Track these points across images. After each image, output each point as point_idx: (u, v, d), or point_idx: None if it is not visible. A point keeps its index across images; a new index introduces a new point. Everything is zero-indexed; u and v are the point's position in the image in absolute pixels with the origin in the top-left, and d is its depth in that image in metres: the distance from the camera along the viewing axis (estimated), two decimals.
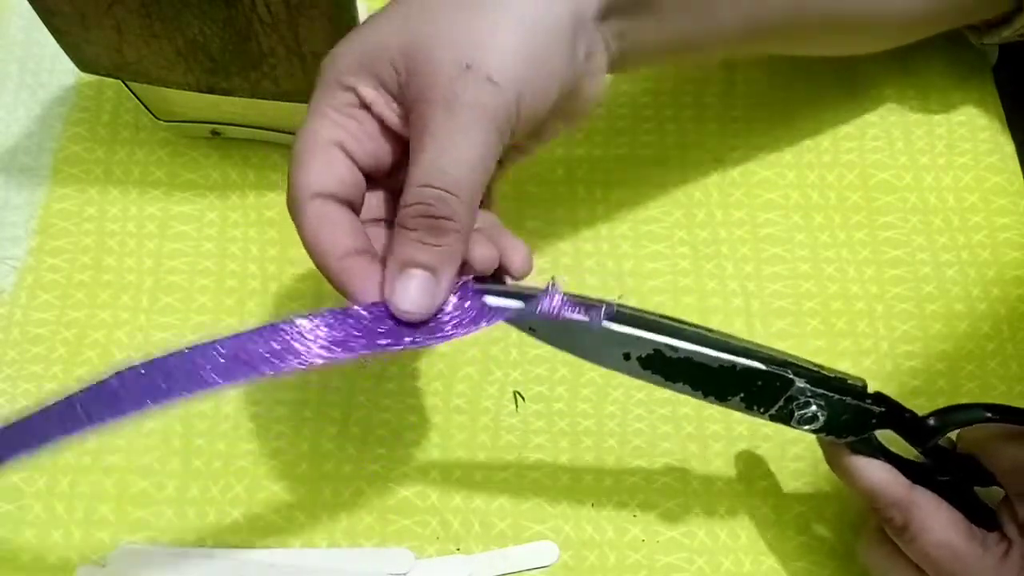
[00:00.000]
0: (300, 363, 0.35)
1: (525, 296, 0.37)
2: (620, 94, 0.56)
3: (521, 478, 0.47)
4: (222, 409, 0.48)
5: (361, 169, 0.38)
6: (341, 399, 0.49)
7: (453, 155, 0.35)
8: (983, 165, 0.54)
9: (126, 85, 0.51)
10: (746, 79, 0.57)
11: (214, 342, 0.35)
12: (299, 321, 0.35)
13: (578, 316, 0.36)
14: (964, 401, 0.48)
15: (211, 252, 0.52)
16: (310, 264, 0.51)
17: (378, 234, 0.39)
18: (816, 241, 0.53)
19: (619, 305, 0.37)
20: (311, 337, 0.35)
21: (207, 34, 0.45)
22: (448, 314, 0.37)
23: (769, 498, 0.47)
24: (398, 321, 0.36)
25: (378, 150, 0.38)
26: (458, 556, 0.45)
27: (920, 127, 0.55)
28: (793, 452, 0.48)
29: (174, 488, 0.47)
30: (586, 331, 0.37)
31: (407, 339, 0.36)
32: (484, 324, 0.37)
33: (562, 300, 0.36)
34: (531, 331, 0.37)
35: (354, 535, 0.46)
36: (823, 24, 0.46)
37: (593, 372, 0.49)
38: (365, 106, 0.38)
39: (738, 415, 0.48)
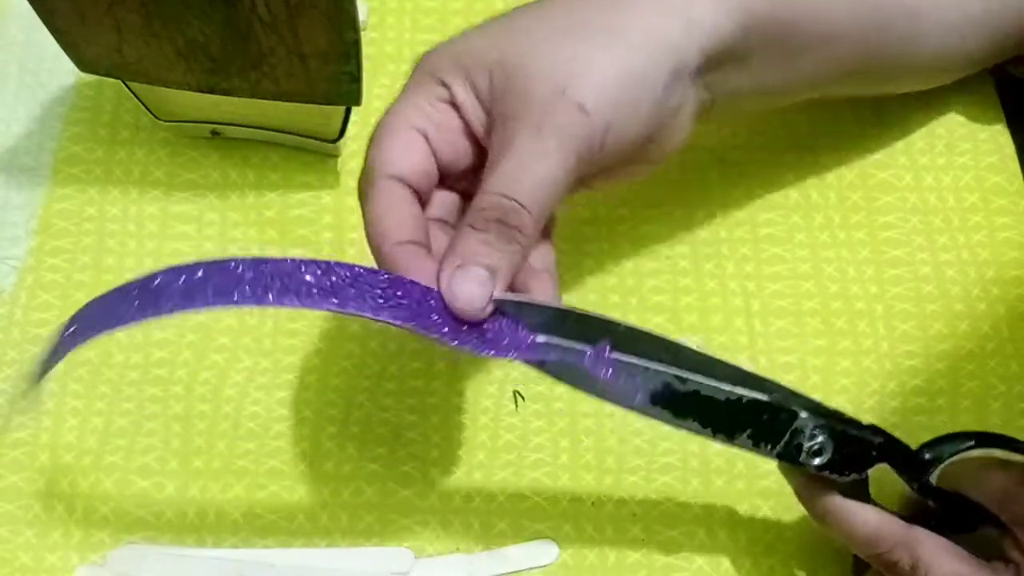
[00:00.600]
0: (353, 306, 0.34)
1: (566, 341, 0.37)
2: None
3: (521, 478, 0.47)
4: (222, 409, 0.48)
5: (438, 163, 0.39)
6: (341, 399, 0.49)
7: (534, 172, 0.36)
8: (983, 165, 0.54)
9: (126, 85, 0.51)
10: None
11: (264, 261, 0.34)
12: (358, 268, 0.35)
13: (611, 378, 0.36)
14: (964, 403, 0.48)
15: (211, 252, 0.52)
16: None
17: (435, 233, 0.39)
18: (816, 241, 0.53)
19: (619, 338, 0.37)
20: (367, 285, 0.35)
21: (207, 34, 0.45)
22: (490, 328, 0.36)
23: (769, 498, 0.47)
24: (440, 314, 0.36)
25: (458, 149, 0.39)
26: (458, 556, 0.45)
27: (920, 127, 0.55)
28: None
29: (174, 488, 0.47)
30: (594, 378, 0.37)
31: (439, 334, 0.35)
32: (515, 355, 0.36)
33: (611, 363, 0.36)
34: (540, 364, 0.37)
35: (354, 535, 0.46)
36: (895, 66, 0.48)
37: None
38: (455, 105, 0.39)
39: None
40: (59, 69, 0.56)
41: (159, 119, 0.53)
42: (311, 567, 0.45)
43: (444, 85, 0.39)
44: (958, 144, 0.55)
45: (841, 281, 0.52)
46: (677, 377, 0.37)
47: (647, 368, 0.37)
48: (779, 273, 0.52)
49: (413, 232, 0.37)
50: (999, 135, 0.55)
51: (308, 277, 0.34)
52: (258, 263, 0.34)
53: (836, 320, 0.51)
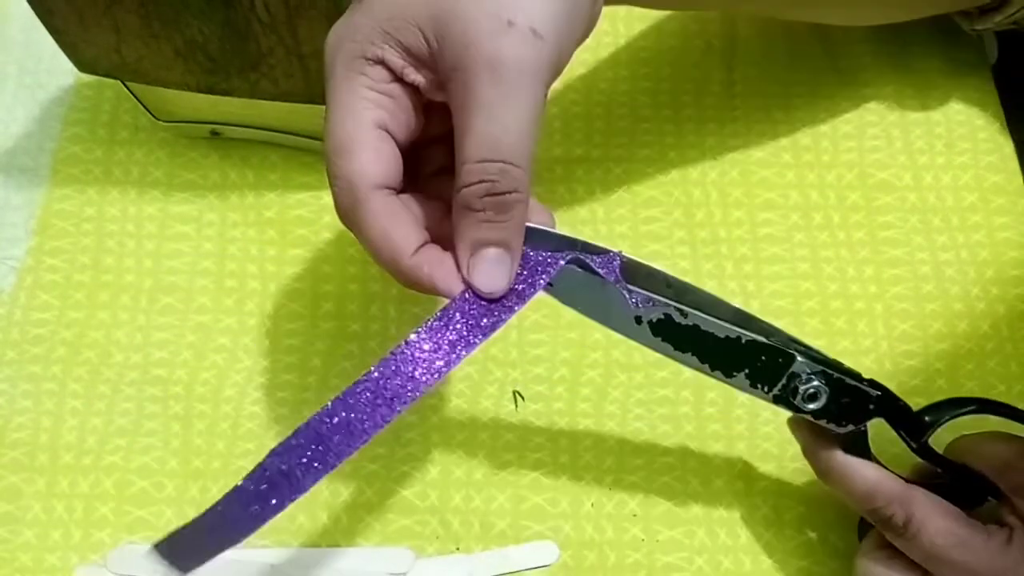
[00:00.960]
0: (424, 383, 0.35)
1: (580, 250, 0.37)
2: (620, 94, 0.56)
3: (521, 478, 0.47)
4: (221, 409, 0.48)
5: (401, 147, 0.36)
6: None
7: (505, 123, 0.34)
8: (982, 164, 0.54)
9: (125, 85, 0.51)
10: (745, 79, 0.57)
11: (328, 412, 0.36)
12: (410, 338, 0.35)
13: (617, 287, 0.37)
14: None
15: (210, 252, 0.52)
16: (309, 264, 0.52)
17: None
18: (815, 241, 0.53)
19: (627, 259, 0.37)
20: (425, 351, 0.35)
21: (206, 34, 0.45)
22: (519, 277, 0.37)
23: (769, 498, 0.47)
24: (487, 300, 0.36)
25: (411, 123, 0.37)
26: (458, 556, 0.45)
27: (919, 126, 0.55)
28: (793, 452, 0.48)
29: (174, 488, 0.47)
30: (601, 290, 0.37)
31: (506, 312, 0.36)
32: (547, 276, 0.37)
33: (622, 267, 0.37)
34: (548, 286, 0.37)
35: (354, 535, 0.46)
36: None
37: (592, 372, 0.49)
38: (397, 78, 0.36)
39: (738, 413, 0.48)
40: (58, 69, 0.56)
41: (158, 119, 0.53)
42: (311, 567, 0.45)
43: (377, 62, 0.35)
44: (957, 144, 0.55)
45: (840, 281, 0.52)
46: (678, 310, 0.37)
47: (649, 298, 0.37)
48: (778, 273, 0.52)
49: (420, 234, 0.36)
50: (998, 135, 0.55)
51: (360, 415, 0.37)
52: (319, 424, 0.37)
53: (836, 320, 0.51)
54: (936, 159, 0.55)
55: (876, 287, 0.51)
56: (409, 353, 0.35)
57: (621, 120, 0.56)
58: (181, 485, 0.47)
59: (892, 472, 0.40)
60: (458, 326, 0.35)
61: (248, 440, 0.48)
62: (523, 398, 0.49)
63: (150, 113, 0.53)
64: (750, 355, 0.38)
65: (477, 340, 0.35)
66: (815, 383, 0.38)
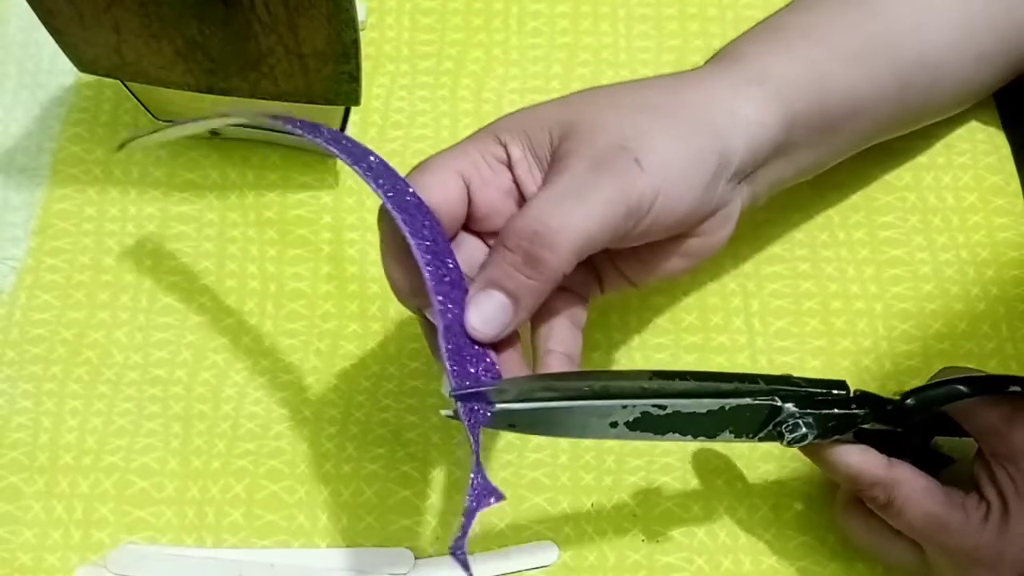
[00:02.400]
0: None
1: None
2: None
3: (521, 478, 0.47)
4: (221, 409, 0.48)
5: (473, 212, 0.39)
6: (341, 399, 0.49)
7: (581, 202, 0.37)
8: (981, 165, 0.54)
9: (125, 85, 0.51)
10: None
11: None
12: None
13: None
14: None
15: (210, 252, 0.52)
16: (310, 264, 0.52)
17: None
18: (815, 240, 0.53)
19: (599, 379, 0.38)
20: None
21: (206, 34, 0.45)
22: (491, 371, 0.37)
23: (769, 498, 0.47)
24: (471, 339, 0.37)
25: (497, 207, 0.40)
26: None
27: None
28: (792, 452, 0.47)
29: (174, 488, 0.47)
30: (568, 414, 0.36)
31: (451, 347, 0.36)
32: (479, 417, 0.36)
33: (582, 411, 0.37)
34: (511, 427, 0.37)
35: (354, 535, 0.46)
36: (918, 115, 0.50)
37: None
38: (509, 164, 0.39)
39: None
40: (58, 69, 0.56)
41: (158, 119, 0.53)
42: (311, 567, 0.45)
43: (501, 144, 0.39)
44: (956, 144, 0.55)
45: (840, 281, 0.52)
46: (656, 406, 0.37)
47: (624, 406, 0.37)
48: (778, 273, 0.52)
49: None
50: (996, 135, 0.55)
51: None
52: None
53: (835, 320, 0.51)
54: (936, 159, 0.55)
55: (876, 287, 0.51)
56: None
57: None
58: (181, 485, 0.47)
59: (875, 452, 0.41)
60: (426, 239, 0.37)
61: (248, 440, 0.48)
62: None
63: (150, 113, 0.53)
64: (734, 417, 0.38)
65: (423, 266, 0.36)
66: (801, 429, 0.39)
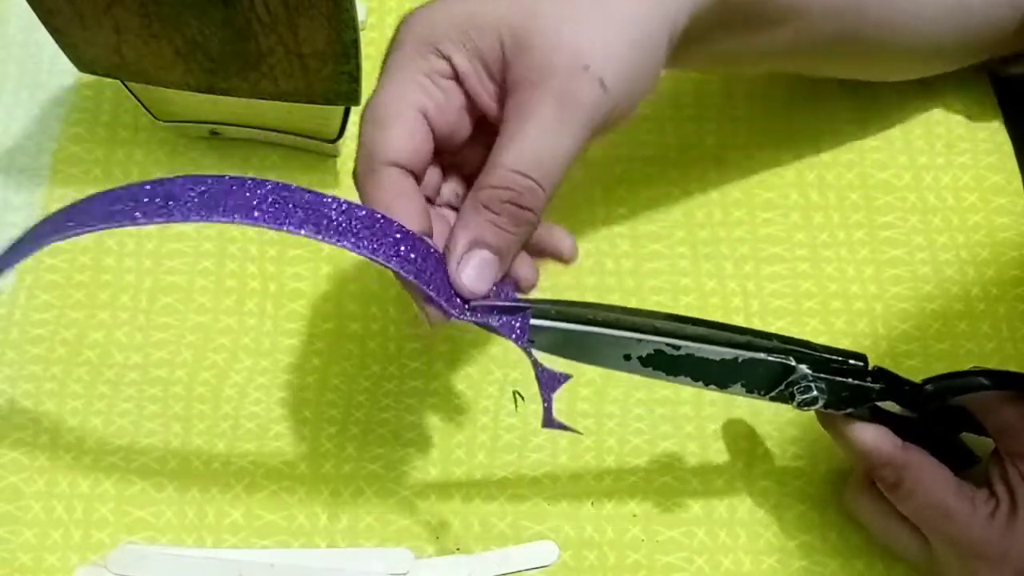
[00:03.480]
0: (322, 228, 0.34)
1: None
2: None
3: (521, 478, 0.47)
4: (221, 408, 0.48)
5: (435, 142, 0.38)
6: (341, 399, 0.49)
7: (554, 148, 0.36)
8: (982, 164, 0.54)
9: (125, 85, 0.51)
10: (745, 79, 0.57)
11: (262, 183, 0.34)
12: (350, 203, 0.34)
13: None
14: None
15: (210, 252, 0.52)
16: (310, 264, 0.52)
17: (448, 220, 0.39)
18: (815, 241, 0.53)
19: (615, 311, 0.37)
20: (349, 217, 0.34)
21: (206, 34, 0.45)
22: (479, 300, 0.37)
23: (769, 497, 0.47)
24: (444, 280, 0.36)
25: (455, 126, 0.38)
26: (458, 556, 0.45)
27: (919, 126, 0.55)
28: (793, 451, 0.48)
29: (174, 488, 0.47)
30: (587, 338, 0.37)
31: (444, 298, 0.36)
32: (491, 321, 0.37)
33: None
34: (530, 343, 0.37)
35: (354, 535, 0.46)
36: (871, 51, 0.48)
37: (592, 372, 0.49)
38: (457, 78, 0.37)
39: (737, 414, 0.48)
40: (58, 69, 0.56)
41: (158, 119, 0.53)
42: (311, 567, 0.45)
43: (443, 56, 0.37)
44: (957, 143, 0.55)
45: (840, 281, 0.52)
46: (669, 344, 0.37)
47: (639, 339, 0.37)
48: (778, 273, 0.52)
49: (420, 224, 0.37)
50: (997, 134, 0.55)
51: (331, 213, 0.34)
52: (281, 188, 0.34)
53: (836, 320, 0.51)
54: (936, 159, 0.55)
55: (876, 287, 0.51)
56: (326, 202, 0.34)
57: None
58: (181, 485, 0.47)
59: (892, 433, 0.41)
60: (391, 245, 0.35)
61: (248, 440, 0.48)
62: (523, 398, 0.49)
63: (150, 113, 0.53)
64: (747, 370, 0.38)
65: (394, 265, 0.35)
66: (813, 392, 0.39)
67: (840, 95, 0.56)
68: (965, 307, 0.51)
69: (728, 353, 0.38)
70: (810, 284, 0.52)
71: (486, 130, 0.38)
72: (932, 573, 0.42)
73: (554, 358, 0.38)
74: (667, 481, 0.47)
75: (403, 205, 0.36)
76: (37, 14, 0.45)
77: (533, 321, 0.37)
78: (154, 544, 0.45)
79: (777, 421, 0.48)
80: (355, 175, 0.38)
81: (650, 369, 0.38)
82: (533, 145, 0.36)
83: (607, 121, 0.37)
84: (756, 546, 0.46)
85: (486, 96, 0.38)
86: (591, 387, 0.49)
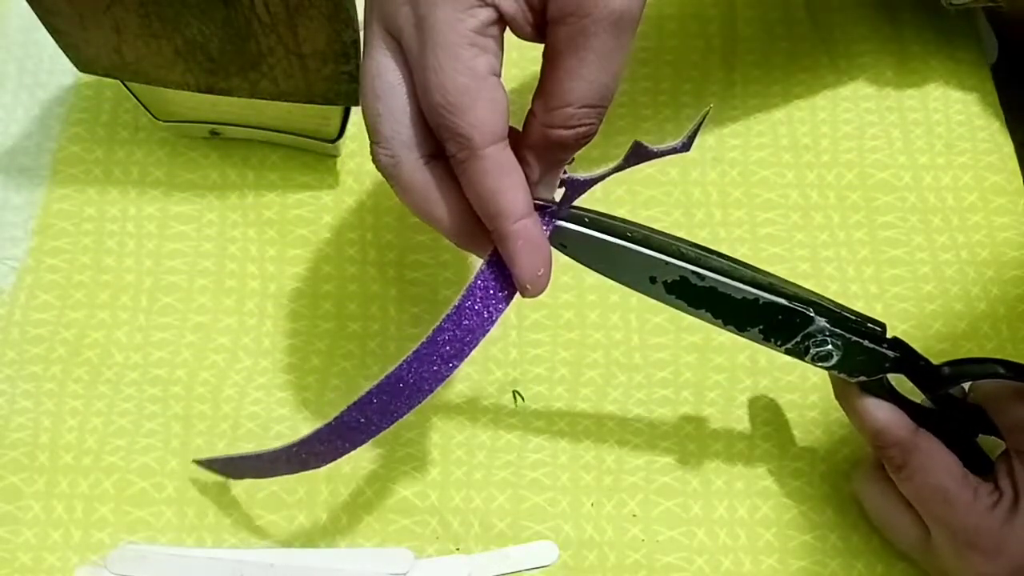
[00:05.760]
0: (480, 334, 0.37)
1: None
2: (620, 94, 0.56)
3: (521, 478, 0.47)
4: (221, 409, 0.48)
5: None
6: (341, 399, 0.49)
7: (616, 72, 0.35)
8: (982, 164, 0.54)
9: (125, 85, 0.51)
10: (745, 79, 0.57)
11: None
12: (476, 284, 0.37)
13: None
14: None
15: (210, 252, 0.52)
16: (310, 264, 0.52)
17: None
18: (815, 241, 0.53)
19: (647, 230, 0.38)
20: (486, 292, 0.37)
21: (206, 34, 0.45)
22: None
23: (769, 498, 0.47)
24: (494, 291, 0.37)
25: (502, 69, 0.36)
26: (458, 556, 0.45)
27: (919, 127, 0.55)
28: (792, 451, 0.48)
29: (174, 488, 0.47)
30: (616, 251, 0.37)
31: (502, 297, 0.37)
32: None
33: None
34: (562, 247, 0.37)
35: (354, 535, 0.46)
36: None
37: (592, 372, 0.49)
38: (503, 23, 0.35)
39: (737, 414, 0.48)
40: (58, 69, 0.56)
41: (158, 119, 0.53)
42: (311, 567, 0.45)
43: (488, 4, 0.34)
44: (957, 144, 0.55)
45: (840, 281, 0.52)
46: (695, 273, 0.38)
47: (667, 262, 0.37)
48: (778, 273, 0.52)
49: (527, 200, 0.35)
50: (998, 134, 0.55)
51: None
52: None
53: None
54: (936, 159, 0.55)
55: (876, 287, 0.51)
56: (464, 310, 0.37)
57: (621, 120, 0.56)
58: (181, 486, 0.47)
59: (905, 415, 0.41)
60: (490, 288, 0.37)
61: (248, 440, 0.48)
62: (523, 398, 0.49)
63: (150, 113, 0.53)
64: (766, 314, 0.39)
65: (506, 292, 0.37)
66: (828, 346, 0.39)
67: (841, 95, 0.56)
68: (965, 307, 0.51)
69: (750, 293, 0.38)
70: (810, 284, 0.51)
71: None
72: (929, 564, 0.42)
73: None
74: (667, 481, 0.47)
75: (510, 186, 0.35)
76: (37, 14, 0.45)
77: (567, 224, 0.37)
78: (154, 544, 0.45)
79: (777, 422, 0.48)
80: (455, 162, 0.35)
81: (673, 297, 0.38)
82: (598, 76, 0.34)
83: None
84: (756, 546, 0.46)
85: (529, 30, 0.35)
86: (591, 387, 0.49)
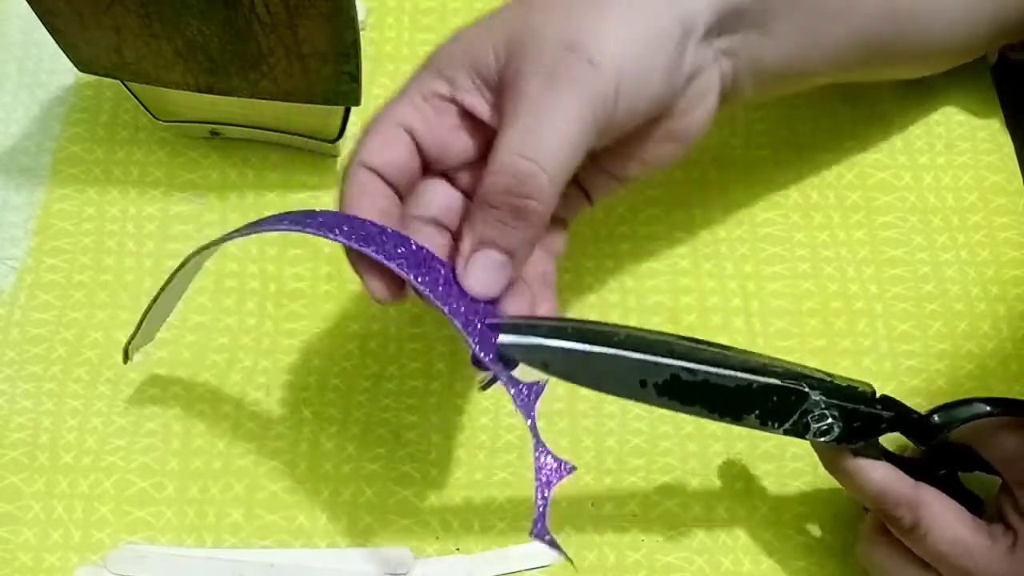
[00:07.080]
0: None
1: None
2: None
3: (521, 478, 0.47)
4: (221, 408, 0.48)
5: (425, 158, 0.39)
6: (340, 399, 0.49)
7: (549, 127, 0.35)
8: (982, 164, 0.54)
9: (125, 85, 0.51)
10: None
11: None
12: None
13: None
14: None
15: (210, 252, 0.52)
16: (310, 264, 0.52)
17: (431, 233, 0.39)
18: (815, 240, 0.53)
19: (628, 330, 0.37)
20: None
21: (206, 34, 0.45)
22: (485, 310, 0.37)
23: (768, 498, 0.47)
24: (450, 287, 0.36)
25: (449, 145, 0.38)
26: (458, 556, 0.45)
27: (919, 126, 0.55)
28: (792, 452, 0.48)
29: (173, 488, 0.47)
30: (602, 360, 0.36)
31: (451, 303, 0.36)
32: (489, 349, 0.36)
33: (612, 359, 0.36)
34: (544, 367, 0.36)
35: (354, 535, 0.46)
36: (908, 46, 0.46)
37: None
38: (454, 98, 0.38)
39: None
40: (58, 69, 0.56)
41: (158, 119, 0.53)
42: (311, 567, 0.45)
43: (445, 78, 0.38)
44: (957, 143, 0.55)
45: (840, 281, 0.52)
46: (686, 369, 0.37)
47: (656, 363, 0.36)
48: (778, 273, 0.52)
49: (381, 219, 0.37)
50: (998, 134, 0.55)
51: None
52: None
53: (835, 320, 0.51)
54: (936, 159, 0.55)
55: (876, 287, 0.51)
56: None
57: None
58: (181, 485, 0.47)
59: (902, 472, 0.40)
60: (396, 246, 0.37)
61: (248, 440, 0.48)
62: None
63: (150, 113, 0.53)
64: (762, 398, 0.38)
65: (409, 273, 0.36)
66: (828, 420, 0.38)
67: (840, 95, 0.56)
68: (965, 307, 0.51)
69: (743, 379, 0.37)
70: (810, 284, 0.52)
71: None
72: None
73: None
74: (667, 481, 0.47)
75: (364, 201, 0.38)
76: (37, 14, 0.45)
77: (549, 342, 0.36)
78: (154, 544, 0.45)
79: None
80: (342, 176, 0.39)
81: (665, 398, 0.37)
82: (525, 125, 0.35)
83: (611, 105, 0.35)
84: (756, 546, 0.46)
85: (484, 106, 0.38)
86: None
